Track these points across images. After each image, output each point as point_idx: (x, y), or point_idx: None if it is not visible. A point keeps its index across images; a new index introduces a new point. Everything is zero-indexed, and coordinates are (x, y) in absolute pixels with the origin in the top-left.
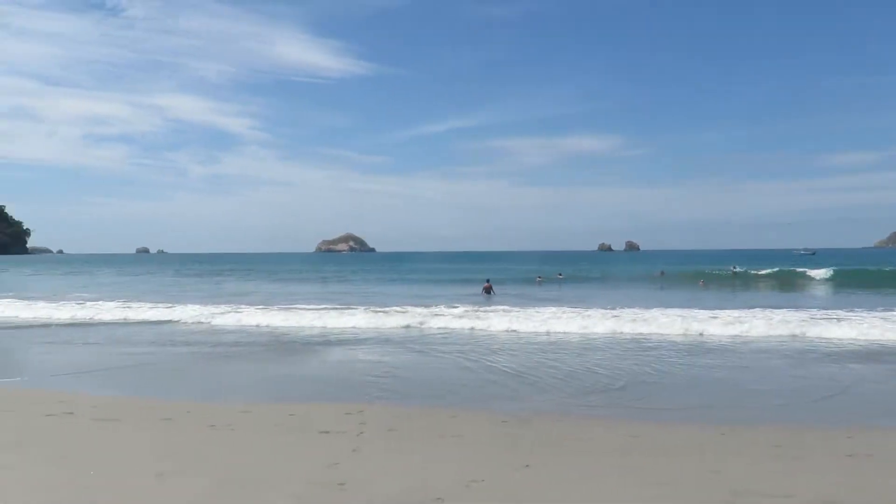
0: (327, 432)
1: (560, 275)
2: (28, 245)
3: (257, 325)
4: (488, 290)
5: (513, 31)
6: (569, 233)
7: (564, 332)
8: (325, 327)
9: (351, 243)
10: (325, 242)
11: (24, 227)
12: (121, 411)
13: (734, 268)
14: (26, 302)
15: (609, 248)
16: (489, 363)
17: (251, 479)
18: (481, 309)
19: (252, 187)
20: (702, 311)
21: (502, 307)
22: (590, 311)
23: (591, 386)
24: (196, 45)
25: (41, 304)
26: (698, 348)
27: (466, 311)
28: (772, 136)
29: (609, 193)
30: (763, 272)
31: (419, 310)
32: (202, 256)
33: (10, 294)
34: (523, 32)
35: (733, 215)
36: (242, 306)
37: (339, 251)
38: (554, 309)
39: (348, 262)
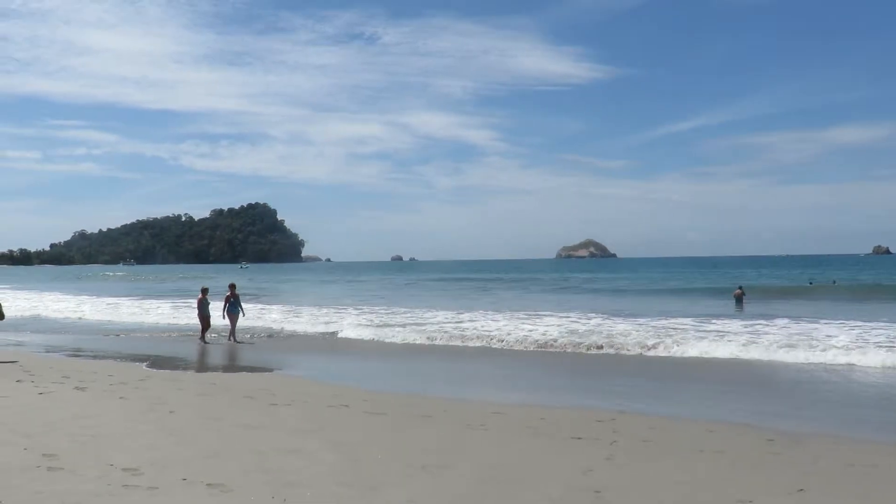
0: (579, 438)
1: (835, 282)
2: (302, 254)
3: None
4: (739, 298)
5: (766, 18)
6: (834, 235)
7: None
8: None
9: (591, 249)
10: (564, 249)
11: (300, 238)
12: (387, 406)
13: None
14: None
15: (886, 251)
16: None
17: (508, 479)
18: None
19: (494, 196)
20: None
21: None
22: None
23: (879, 415)
24: (442, 64)
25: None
26: None
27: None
28: None
29: (883, 189)
30: None
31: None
32: (450, 264)
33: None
34: (778, 18)
35: None
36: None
37: (579, 257)
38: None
39: (590, 268)
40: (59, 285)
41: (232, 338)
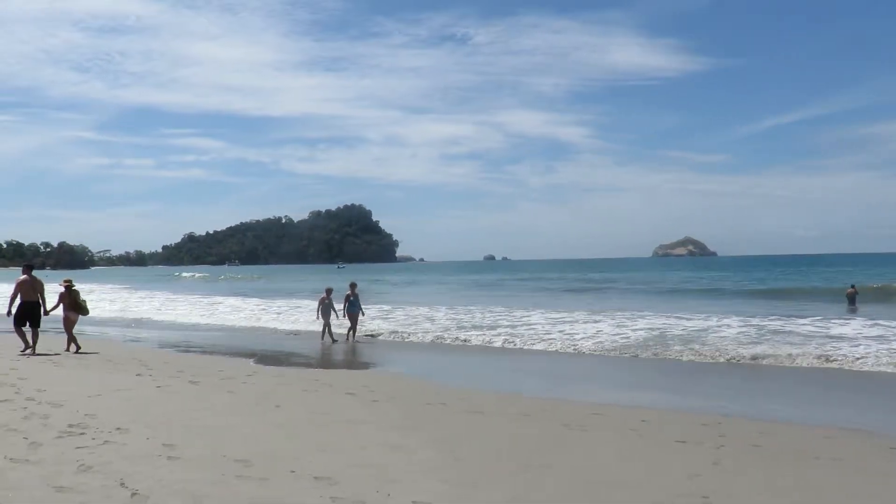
0: (684, 442)
1: None
2: (396, 254)
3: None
4: (852, 297)
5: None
6: None
7: None
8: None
9: (690, 247)
10: (661, 247)
11: (394, 239)
12: (483, 404)
13: None
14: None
15: None
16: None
17: (609, 481)
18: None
19: (587, 194)
20: None
21: None
22: None
23: None
24: (534, 61)
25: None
26: None
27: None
28: None
29: None
30: None
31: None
32: (543, 263)
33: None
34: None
35: None
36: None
37: (677, 255)
38: None
39: (689, 267)
40: (176, 286)
41: (351, 335)
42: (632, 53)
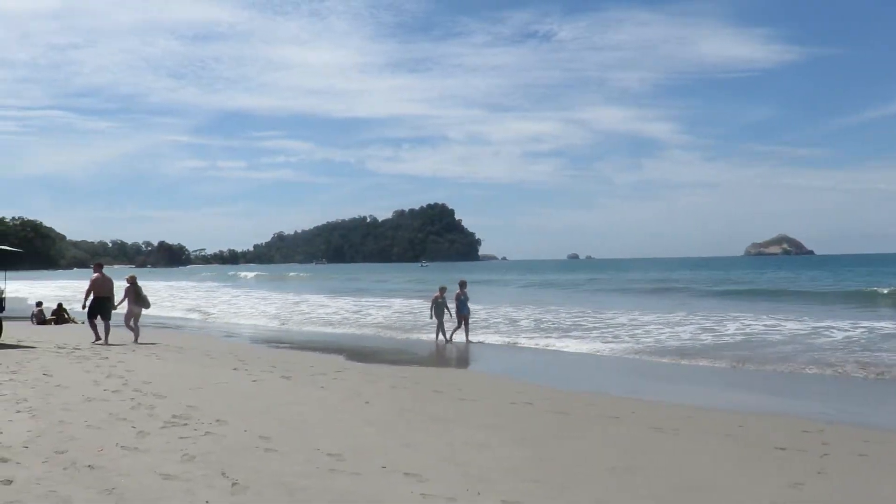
0: (783, 449)
1: None
2: (479, 253)
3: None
4: None
5: None
6: None
7: None
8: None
9: (784, 245)
10: (754, 245)
11: (476, 238)
12: (570, 405)
13: None
14: None
15: None
16: None
17: (704, 487)
18: None
19: (675, 191)
20: None
21: None
22: None
23: None
24: (620, 56)
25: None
26: None
27: None
28: None
29: None
30: None
31: None
32: (628, 262)
33: None
34: None
35: None
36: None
37: (771, 254)
38: None
39: (785, 266)
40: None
41: (466, 337)
42: (721, 45)
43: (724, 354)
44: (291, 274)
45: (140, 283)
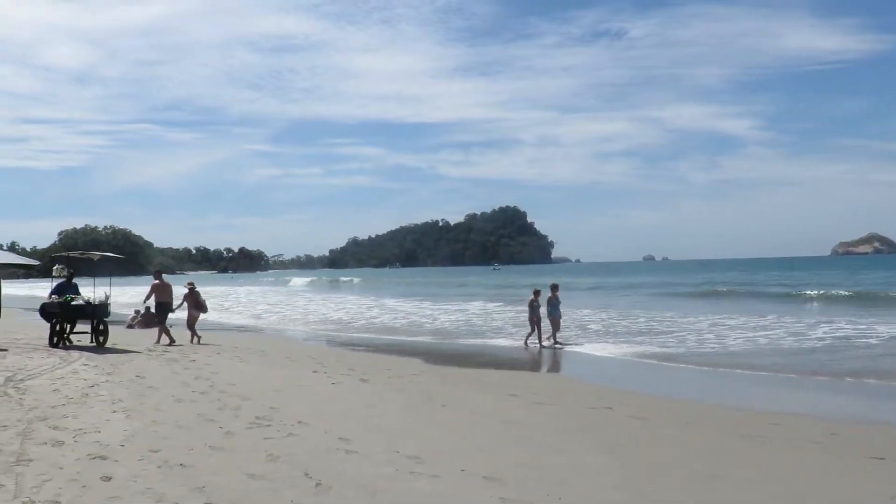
0: (881, 458)
1: None
2: (552, 255)
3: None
4: None
5: None
6: None
7: None
8: None
9: (875, 244)
10: (842, 245)
11: (549, 240)
12: (650, 410)
13: None
14: None
15: None
16: None
17: (797, 497)
18: None
19: (756, 189)
20: None
21: None
22: None
23: None
24: (694, 52)
25: None
26: None
27: None
28: None
29: None
30: None
31: None
32: (706, 263)
33: None
34: None
35: None
36: None
37: (861, 254)
38: None
39: (878, 266)
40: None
41: (552, 339)
42: (804, 36)
43: (810, 360)
44: (343, 279)
45: (212, 287)
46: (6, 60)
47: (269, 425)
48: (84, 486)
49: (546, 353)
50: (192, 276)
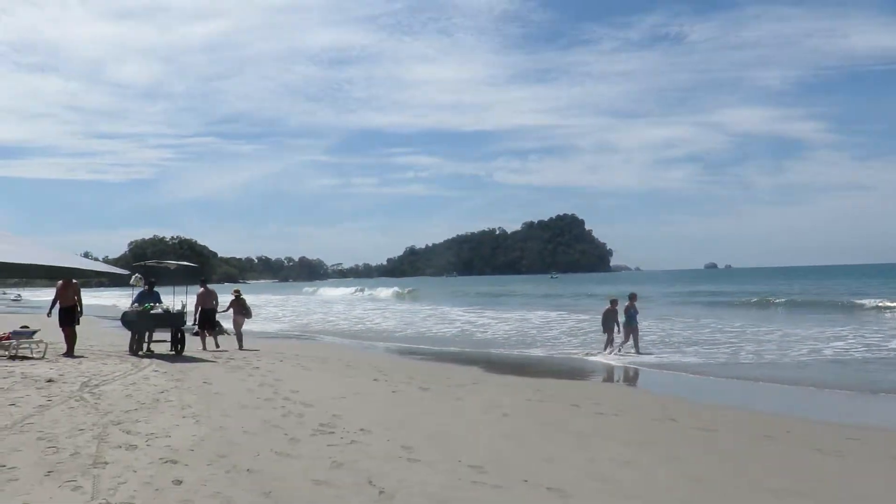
0: None
1: None
2: (611, 263)
3: None
4: None
5: None
6: None
7: None
8: None
9: None
10: None
11: (607, 248)
12: (717, 422)
13: None
14: None
15: None
16: None
17: None
18: None
19: (823, 194)
20: None
21: None
22: None
23: None
24: (757, 54)
25: None
26: None
27: None
28: None
29: None
30: None
31: None
32: (773, 271)
33: None
34: None
35: None
36: None
37: None
38: None
39: None
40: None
41: (634, 349)
42: (873, 35)
43: (882, 374)
44: (405, 290)
45: (260, 295)
46: (78, 77)
47: (333, 432)
48: (157, 490)
49: (610, 363)
50: (253, 284)
